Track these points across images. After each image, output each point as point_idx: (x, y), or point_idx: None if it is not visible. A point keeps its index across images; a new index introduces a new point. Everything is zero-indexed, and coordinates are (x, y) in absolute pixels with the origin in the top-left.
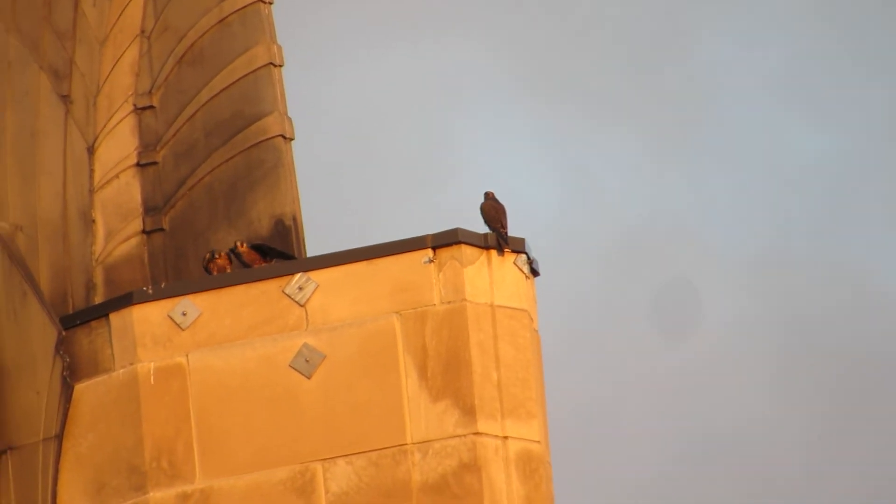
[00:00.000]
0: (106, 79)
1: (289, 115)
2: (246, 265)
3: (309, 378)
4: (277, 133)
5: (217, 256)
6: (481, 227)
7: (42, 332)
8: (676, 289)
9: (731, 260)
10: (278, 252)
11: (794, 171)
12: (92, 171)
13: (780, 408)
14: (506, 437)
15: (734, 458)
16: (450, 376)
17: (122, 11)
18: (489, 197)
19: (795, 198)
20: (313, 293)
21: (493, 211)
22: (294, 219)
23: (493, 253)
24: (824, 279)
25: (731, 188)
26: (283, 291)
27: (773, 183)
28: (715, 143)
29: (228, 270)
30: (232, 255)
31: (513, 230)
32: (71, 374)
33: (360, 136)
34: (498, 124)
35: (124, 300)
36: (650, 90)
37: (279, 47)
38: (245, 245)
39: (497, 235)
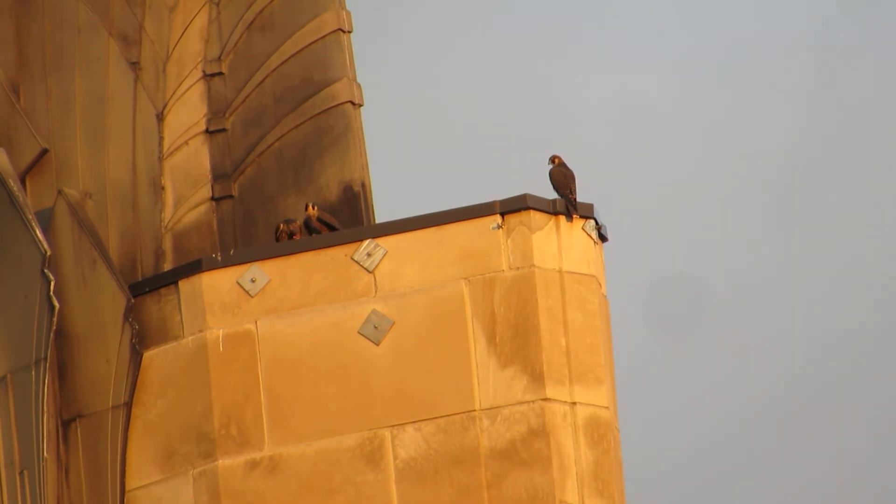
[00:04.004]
0: (175, 45)
1: (358, 81)
2: (313, 230)
3: (377, 345)
4: (346, 99)
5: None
6: (550, 193)
7: (111, 299)
8: None
9: None
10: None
11: None
12: (161, 137)
13: None
14: (574, 403)
15: None
16: (518, 342)
17: None
18: (557, 162)
19: None
20: (382, 260)
21: (561, 177)
22: (363, 185)
23: (562, 219)
24: None
25: None
26: (352, 258)
27: None
28: None
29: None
30: (302, 227)
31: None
32: (140, 342)
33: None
34: None
35: (193, 267)
36: None
37: (348, 13)
38: (316, 208)
39: (566, 201)
